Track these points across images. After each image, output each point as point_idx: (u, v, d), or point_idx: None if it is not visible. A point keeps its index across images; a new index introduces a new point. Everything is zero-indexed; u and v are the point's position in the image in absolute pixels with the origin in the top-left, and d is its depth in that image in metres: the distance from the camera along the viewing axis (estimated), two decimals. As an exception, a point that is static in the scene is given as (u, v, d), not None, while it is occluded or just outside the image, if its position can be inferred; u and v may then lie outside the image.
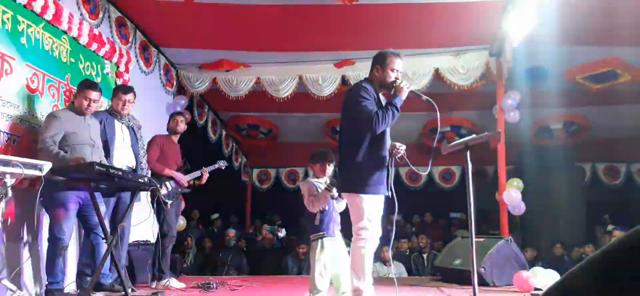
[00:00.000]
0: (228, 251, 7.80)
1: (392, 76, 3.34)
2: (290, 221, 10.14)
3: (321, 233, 3.78)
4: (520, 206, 6.44)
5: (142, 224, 4.59)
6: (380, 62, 3.38)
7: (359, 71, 6.73)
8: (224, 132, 9.20)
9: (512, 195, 6.33)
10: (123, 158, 4.37)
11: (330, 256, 3.76)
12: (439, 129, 3.38)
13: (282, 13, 5.56)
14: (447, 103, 7.83)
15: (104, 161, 3.96)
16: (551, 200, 8.48)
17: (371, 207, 3.27)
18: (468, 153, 3.23)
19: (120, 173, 3.55)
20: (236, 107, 8.12)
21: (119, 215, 4.23)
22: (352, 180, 3.28)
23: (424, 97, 3.40)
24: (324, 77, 6.83)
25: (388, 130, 3.37)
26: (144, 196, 4.80)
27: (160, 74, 6.71)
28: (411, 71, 6.62)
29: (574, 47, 5.90)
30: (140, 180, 3.86)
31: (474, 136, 3.22)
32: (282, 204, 10.90)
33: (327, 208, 3.82)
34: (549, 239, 8.11)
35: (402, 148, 3.36)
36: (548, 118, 8.36)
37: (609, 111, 7.91)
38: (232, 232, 8.13)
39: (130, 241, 4.99)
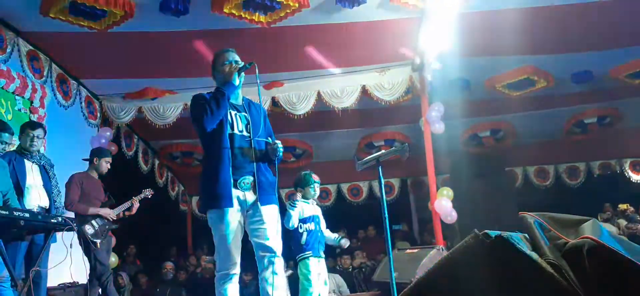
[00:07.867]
0: (165, 285, 7.51)
1: (226, 69, 2.98)
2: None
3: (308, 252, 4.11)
4: (452, 214, 6.59)
5: (64, 265, 4.33)
6: (213, 65, 3.09)
7: (288, 91, 6.76)
8: (156, 162, 8.92)
9: (443, 204, 6.48)
10: (35, 198, 4.14)
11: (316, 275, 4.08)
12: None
13: (203, 39, 5.51)
14: (379, 119, 8.01)
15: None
16: (485, 205, 8.72)
17: (217, 225, 2.89)
18: (380, 168, 3.27)
19: (26, 215, 3.34)
20: (167, 135, 7.89)
21: (33, 259, 3.99)
22: (201, 197, 3.01)
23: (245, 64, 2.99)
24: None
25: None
26: (60, 237, 4.56)
27: (82, 107, 6.45)
28: (340, 89, 6.71)
29: (490, 58, 6.15)
30: (52, 221, 3.66)
31: (383, 152, 3.27)
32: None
33: (312, 228, 4.16)
34: (485, 244, 8.27)
35: (278, 144, 3.01)
36: (476, 126, 8.65)
37: (532, 116, 8.27)
38: (169, 264, 7.85)
39: (55, 284, 4.76)
